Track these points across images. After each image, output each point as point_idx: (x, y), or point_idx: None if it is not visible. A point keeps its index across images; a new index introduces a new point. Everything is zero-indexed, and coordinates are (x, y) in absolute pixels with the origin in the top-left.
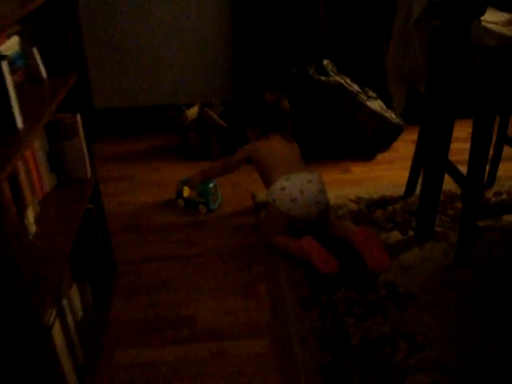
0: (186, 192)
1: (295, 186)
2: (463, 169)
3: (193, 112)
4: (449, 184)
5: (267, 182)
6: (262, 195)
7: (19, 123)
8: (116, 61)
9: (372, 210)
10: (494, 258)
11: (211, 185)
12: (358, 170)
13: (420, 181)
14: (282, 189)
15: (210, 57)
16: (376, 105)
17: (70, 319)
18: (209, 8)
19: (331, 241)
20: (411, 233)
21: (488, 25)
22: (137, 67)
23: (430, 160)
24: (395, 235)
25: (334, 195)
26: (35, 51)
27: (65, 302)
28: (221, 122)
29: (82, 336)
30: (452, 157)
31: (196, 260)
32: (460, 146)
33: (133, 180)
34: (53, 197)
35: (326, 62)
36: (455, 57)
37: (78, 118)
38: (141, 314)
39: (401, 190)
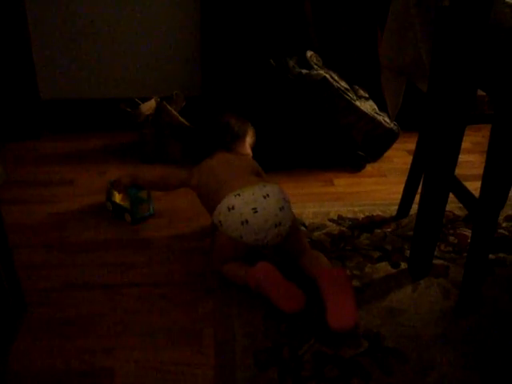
0: (118, 196)
1: (247, 204)
2: (469, 187)
3: (149, 107)
4: (450, 203)
5: (212, 206)
6: None
7: None
8: (66, 44)
9: (356, 234)
10: (506, 302)
11: (143, 190)
12: (342, 182)
13: (417, 199)
14: (230, 208)
15: (174, 44)
16: (367, 106)
17: None
18: None
19: (296, 271)
20: (403, 265)
21: None
22: (90, 53)
23: (431, 175)
24: (383, 267)
25: (310, 212)
26: None
27: None
28: (181, 119)
29: None
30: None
31: (128, 291)
32: (464, 157)
33: (71, 185)
34: None
35: (309, 53)
36: (470, 43)
37: None
38: (46, 363)
39: (393, 210)
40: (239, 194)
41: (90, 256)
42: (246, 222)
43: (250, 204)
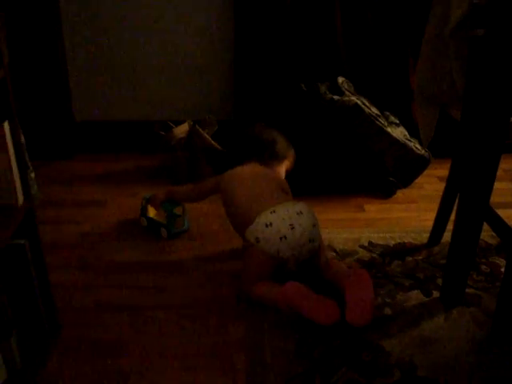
0: (152, 211)
1: (284, 221)
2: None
3: (182, 130)
4: (482, 231)
5: (243, 223)
6: None
7: None
8: (101, 68)
9: (387, 261)
10: None
11: (177, 206)
12: (373, 208)
13: (449, 227)
14: (268, 225)
15: (208, 68)
16: (398, 132)
17: None
18: (209, 12)
19: (323, 285)
20: (435, 293)
21: None
22: (124, 76)
23: (466, 204)
24: (415, 296)
25: (341, 238)
26: None
27: None
28: (213, 143)
29: None
30: None
31: (160, 313)
32: (495, 185)
33: (103, 206)
34: None
35: (341, 79)
36: (504, 72)
37: (6, 126)
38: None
39: (424, 237)
40: (274, 211)
41: (122, 277)
42: (285, 237)
43: (287, 220)
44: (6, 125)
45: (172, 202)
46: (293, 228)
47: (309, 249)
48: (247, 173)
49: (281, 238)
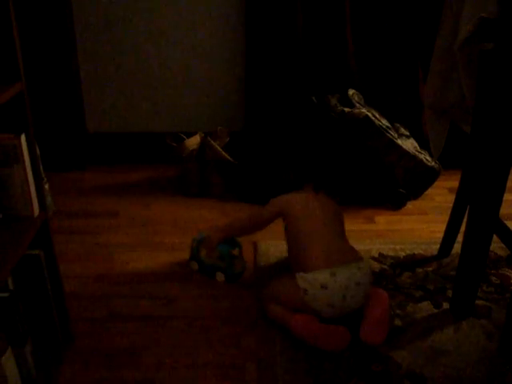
0: (203, 253)
1: (340, 289)
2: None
3: (193, 142)
4: (492, 243)
5: (298, 259)
6: (266, 246)
7: None
8: (114, 80)
9: (397, 272)
10: None
11: (235, 247)
12: (383, 220)
13: (459, 238)
14: (323, 287)
15: (219, 81)
16: (408, 144)
17: None
18: (220, 25)
19: None
20: (445, 305)
21: None
22: (137, 89)
23: (475, 216)
24: (425, 307)
25: None
26: None
27: None
28: (225, 155)
29: None
30: None
31: (173, 323)
32: (505, 196)
33: (116, 217)
34: None
35: (351, 91)
36: None
37: (23, 139)
38: None
39: (434, 249)
40: (335, 274)
41: (136, 287)
42: (333, 306)
43: (343, 290)
44: (23, 137)
45: (226, 241)
46: (345, 299)
47: (348, 312)
48: (310, 198)
49: (328, 305)
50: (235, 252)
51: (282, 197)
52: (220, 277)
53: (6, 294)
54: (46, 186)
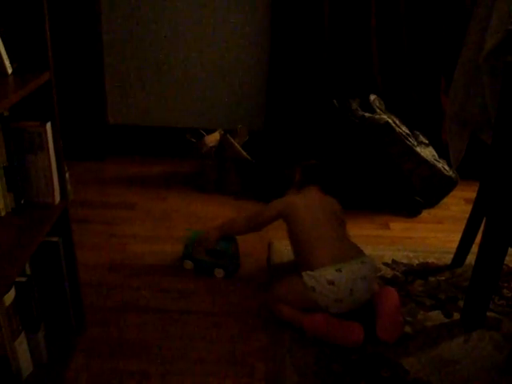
0: (199, 251)
1: (347, 284)
2: None
3: (213, 139)
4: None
5: (304, 259)
6: (281, 245)
7: None
8: (137, 74)
9: (410, 280)
10: None
11: (232, 244)
12: (398, 227)
13: (473, 249)
14: (330, 283)
15: (241, 79)
16: (427, 152)
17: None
18: (245, 25)
19: None
20: (456, 315)
21: None
22: (159, 83)
23: (491, 228)
24: (436, 316)
25: None
26: None
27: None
28: (243, 153)
29: None
30: None
31: (184, 317)
32: None
33: (133, 208)
34: (5, 223)
35: (373, 97)
36: None
37: (48, 127)
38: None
39: (448, 258)
40: (340, 270)
41: (148, 280)
42: (341, 301)
43: (349, 285)
44: (49, 126)
45: (224, 238)
46: (351, 294)
47: (356, 307)
48: (312, 198)
49: (336, 300)
50: (233, 248)
51: (283, 199)
52: (219, 273)
53: (23, 279)
54: (67, 175)
